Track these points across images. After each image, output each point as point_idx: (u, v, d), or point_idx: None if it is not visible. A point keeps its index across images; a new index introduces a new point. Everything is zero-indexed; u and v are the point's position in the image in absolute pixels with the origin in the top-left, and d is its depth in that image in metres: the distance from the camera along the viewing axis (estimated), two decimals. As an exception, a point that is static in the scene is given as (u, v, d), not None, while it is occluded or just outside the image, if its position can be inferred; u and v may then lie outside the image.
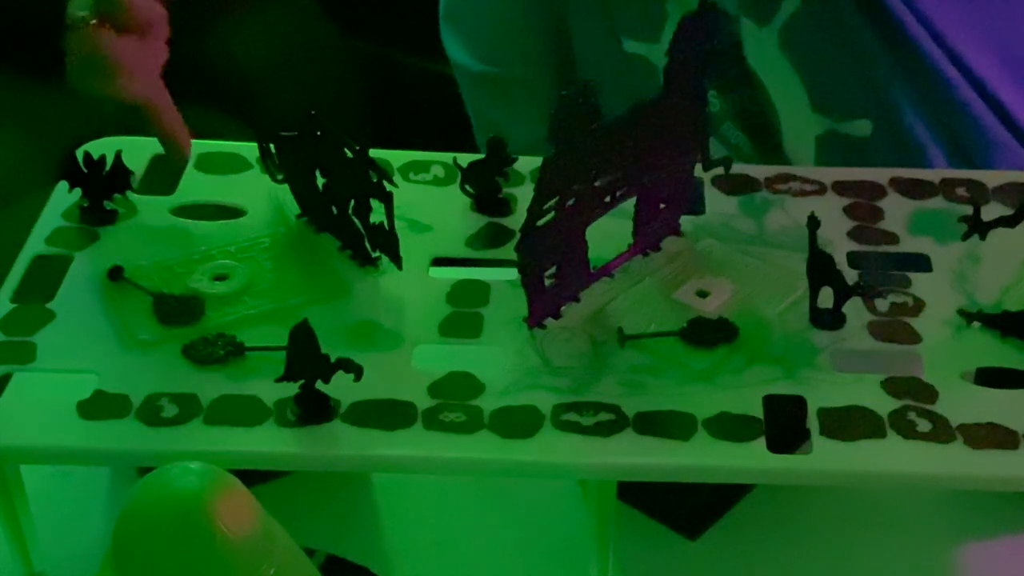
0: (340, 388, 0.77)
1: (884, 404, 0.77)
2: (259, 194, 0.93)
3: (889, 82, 1.04)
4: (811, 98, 1.06)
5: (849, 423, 0.76)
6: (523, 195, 0.92)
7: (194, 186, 0.93)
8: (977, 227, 0.85)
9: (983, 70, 1.03)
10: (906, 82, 1.04)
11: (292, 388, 0.77)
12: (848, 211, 0.91)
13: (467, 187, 0.93)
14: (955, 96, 1.03)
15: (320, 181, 0.89)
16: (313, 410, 0.76)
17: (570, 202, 0.81)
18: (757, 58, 1.07)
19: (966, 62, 1.02)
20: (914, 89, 1.04)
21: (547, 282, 0.82)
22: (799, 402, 0.77)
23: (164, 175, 0.94)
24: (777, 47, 1.05)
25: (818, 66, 1.05)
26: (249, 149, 0.95)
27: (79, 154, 0.93)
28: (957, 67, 1.02)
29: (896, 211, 0.91)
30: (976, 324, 0.82)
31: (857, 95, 1.05)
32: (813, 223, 0.80)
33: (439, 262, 0.88)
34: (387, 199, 0.83)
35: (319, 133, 0.85)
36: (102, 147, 0.93)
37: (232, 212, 0.92)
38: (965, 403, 0.77)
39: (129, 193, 0.92)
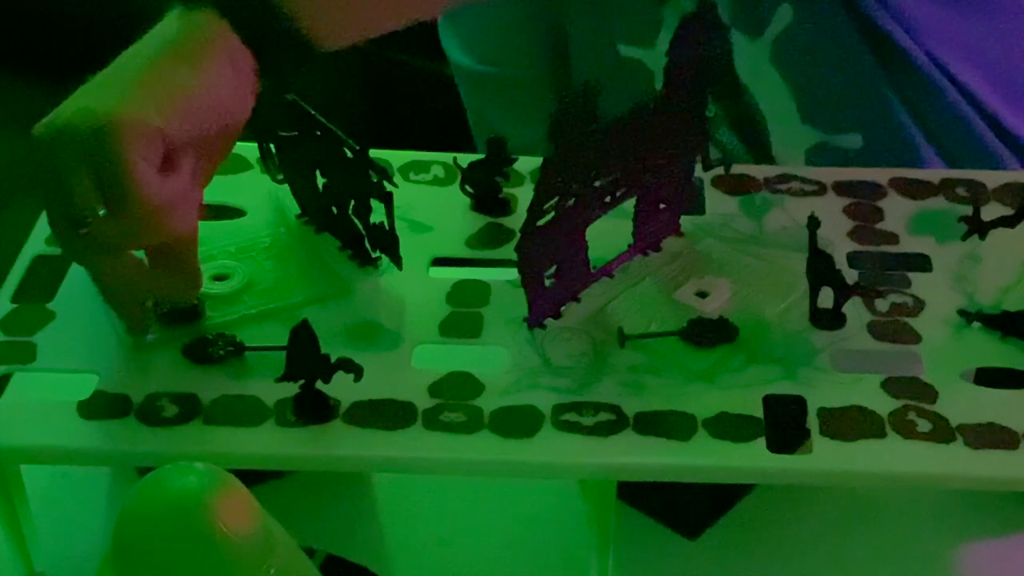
0: (340, 388, 0.77)
1: (884, 404, 0.77)
2: (259, 194, 0.93)
3: (880, 96, 1.04)
4: (801, 111, 1.06)
5: (849, 423, 0.76)
6: (523, 195, 0.92)
7: (194, 186, 0.93)
8: (977, 227, 0.85)
9: (974, 83, 1.03)
10: (897, 96, 1.04)
11: (292, 388, 0.77)
12: (848, 211, 0.91)
13: (467, 187, 0.93)
14: (946, 109, 1.03)
15: (320, 181, 0.89)
16: (313, 410, 0.76)
17: (570, 202, 0.81)
18: (748, 70, 1.07)
19: (957, 75, 1.02)
20: (905, 103, 1.04)
21: (547, 282, 0.82)
22: (799, 402, 0.77)
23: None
24: (768, 60, 1.05)
25: (809, 79, 1.05)
26: (249, 149, 0.94)
27: (79, 154, 0.93)
28: (948, 80, 1.02)
29: (896, 211, 0.91)
30: (976, 324, 0.82)
31: (848, 108, 1.05)
32: (813, 223, 0.81)
33: (439, 262, 0.88)
34: (387, 199, 0.83)
35: (319, 133, 0.85)
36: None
37: (232, 212, 0.92)
38: (965, 403, 0.77)
39: (129, 193, 0.91)
